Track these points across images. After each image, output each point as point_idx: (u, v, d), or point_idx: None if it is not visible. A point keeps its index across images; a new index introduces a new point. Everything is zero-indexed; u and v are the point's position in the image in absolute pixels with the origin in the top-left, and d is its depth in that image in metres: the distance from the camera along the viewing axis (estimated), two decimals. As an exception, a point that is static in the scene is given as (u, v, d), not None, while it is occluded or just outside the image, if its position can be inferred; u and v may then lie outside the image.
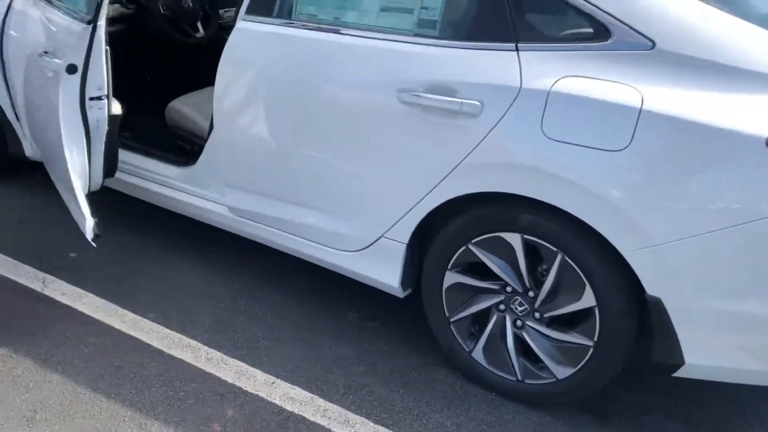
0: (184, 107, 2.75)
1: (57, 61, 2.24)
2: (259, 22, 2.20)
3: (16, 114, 2.88)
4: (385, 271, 2.19)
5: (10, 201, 3.04)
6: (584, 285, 1.86)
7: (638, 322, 1.87)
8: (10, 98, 2.86)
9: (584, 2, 1.79)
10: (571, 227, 1.83)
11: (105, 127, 2.26)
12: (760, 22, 1.71)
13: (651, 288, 1.77)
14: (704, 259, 1.69)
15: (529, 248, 1.93)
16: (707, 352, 1.80)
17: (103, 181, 2.40)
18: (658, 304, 1.77)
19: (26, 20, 2.68)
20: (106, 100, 2.24)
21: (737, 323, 1.72)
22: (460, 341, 2.14)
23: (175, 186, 2.59)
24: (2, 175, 3.10)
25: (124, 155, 2.66)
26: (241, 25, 2.23)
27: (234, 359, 2.19)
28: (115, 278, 2.57)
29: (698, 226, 1.66)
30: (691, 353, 1.79)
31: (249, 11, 2.23)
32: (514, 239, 1.93)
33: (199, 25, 3.07)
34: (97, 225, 2.26)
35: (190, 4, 2.98)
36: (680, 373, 1.85)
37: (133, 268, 2.65)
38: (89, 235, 2.24)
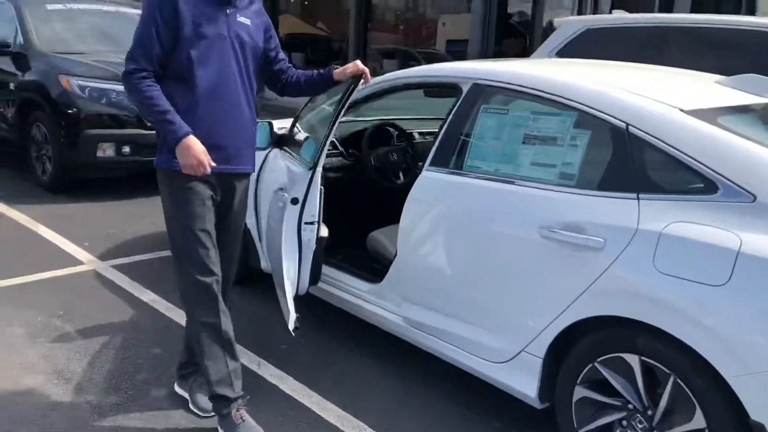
0: (380, 237, 3.41)
1: (286, 195, 3.02)
2: (438, 172, 2.82)
3: (259, 236, 3.75)
4: (524, 383, 2.54)
5: (244, 303, 3.85)
6: (695, 407, 2.07)
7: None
8: (257, 223, 3.74)
9: (696, 162, 2.16)
10: (681, 351, 2.08)
11: (313, 245, 2.95)
12: None
13: (754, 413, 1.94)
14: (803, 389, 1.85)
15: (647, 369, 2.19)
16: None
17: (308, 288, 3.06)
18: (762, 429, 1.93)
19: (274, 166, 3.58)
20: (316, 225, 2.94)
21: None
22: (587, 452, 2.38)
23: (365, 298, 3.19)
24: (243, 282, 3.95)
25: (331, 272, 3.36)
26: (425, 173, 2.87)
27: (392, 442, 2.63)
28: (311, 367, 3.17)
29: (795, 357, 1.85)
30: (798, 482, 1.89)
31: (431, 164, 2.87)
32: (633, 360, 2.21)
33: (400, 173, 3.81)
34: (297, 319, 2.89)
35: (395, 158, 3.74)
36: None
37: (326, 360, 3.25)
38: (291, 326, 2.86)
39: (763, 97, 2.61)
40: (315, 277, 3.02)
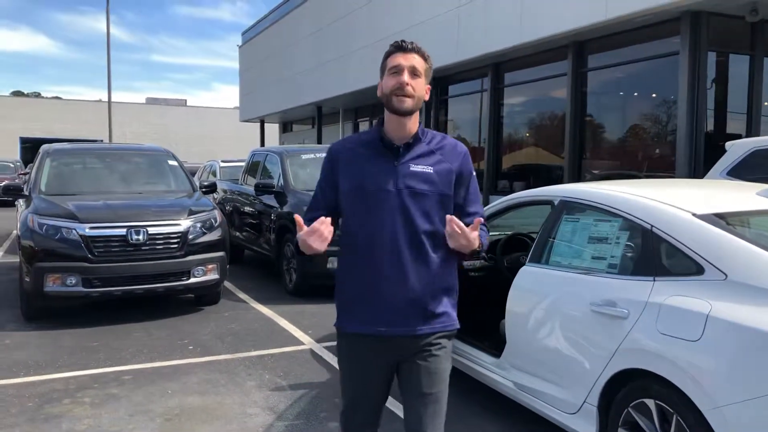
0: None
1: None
2: (533, 266, 3.73)
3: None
4: (588, 428, 3.23)
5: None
6: (689, 438, 2.67)
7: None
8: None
9: (692, 251, 2.86)
10: (677, 393, 2.71)
11: None
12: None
13: (723, 440, 2.51)
14: (752, 419, 2.42)
15: (660, 411, 2.82)
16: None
17: None
18: (729, 453, 2.49)
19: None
20: None
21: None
22: (630, 483, 2.99)
23: (490, 369, 4.06)
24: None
25: (472, 351, 4.29)
26: (524, 268, 3.79)
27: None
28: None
29: (747, 393, 2.44)
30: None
31: (530, 260, 3.79)
32: (651, 404, 2.86)
33: (533, 274, 4.69)
34: None
35: (524, 261, 4.64)
36: None
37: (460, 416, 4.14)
38: None
39: (786, 204, 3.18)
40: None
